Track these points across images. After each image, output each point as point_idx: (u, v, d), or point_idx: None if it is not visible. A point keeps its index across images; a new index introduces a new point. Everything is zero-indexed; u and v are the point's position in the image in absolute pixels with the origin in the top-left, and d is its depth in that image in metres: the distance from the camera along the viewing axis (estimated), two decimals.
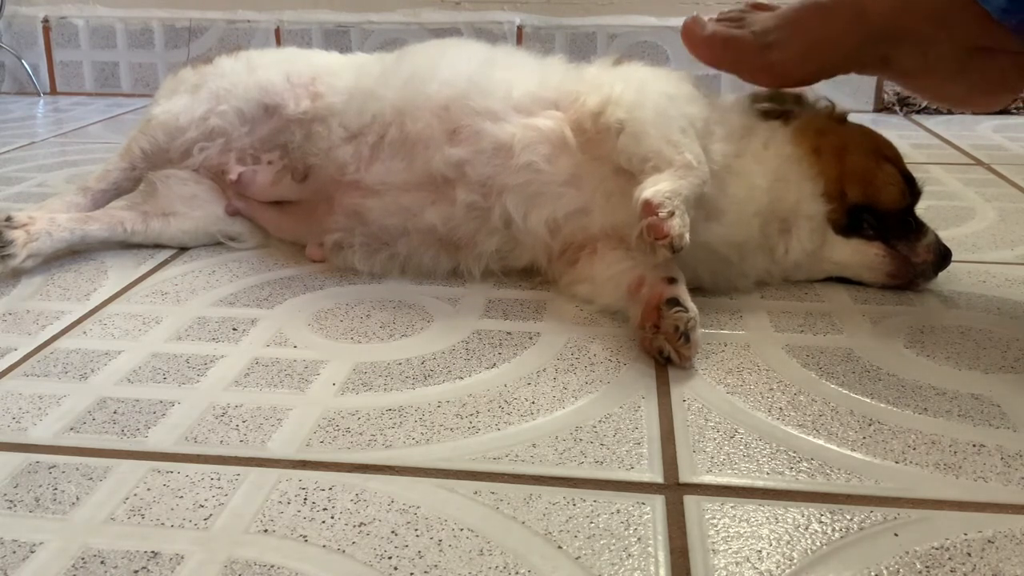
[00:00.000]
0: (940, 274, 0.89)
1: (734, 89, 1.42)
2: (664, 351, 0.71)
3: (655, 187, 0.72)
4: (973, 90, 0.80)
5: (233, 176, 0.97)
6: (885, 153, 0.89)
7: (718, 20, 0.92)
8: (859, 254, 0.86)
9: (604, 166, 0.82)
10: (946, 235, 0.89)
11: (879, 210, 0.86)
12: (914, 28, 0.79)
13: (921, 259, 0.86)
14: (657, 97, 0.82)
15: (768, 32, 0.87)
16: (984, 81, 0.79)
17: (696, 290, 0.78)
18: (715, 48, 0.88)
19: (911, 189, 0.87)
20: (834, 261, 0.87)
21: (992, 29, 0.75)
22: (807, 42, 0.85)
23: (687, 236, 0.70)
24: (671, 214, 0.70)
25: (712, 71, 0.98)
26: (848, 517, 0.53)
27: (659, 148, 0.77)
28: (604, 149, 0.82)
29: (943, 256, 0.87)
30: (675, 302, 0.72)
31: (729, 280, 0.86)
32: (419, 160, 0.87)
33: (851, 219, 0.86)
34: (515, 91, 0.87)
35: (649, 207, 0.71)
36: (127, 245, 0.99)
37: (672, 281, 0.75)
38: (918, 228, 0.87)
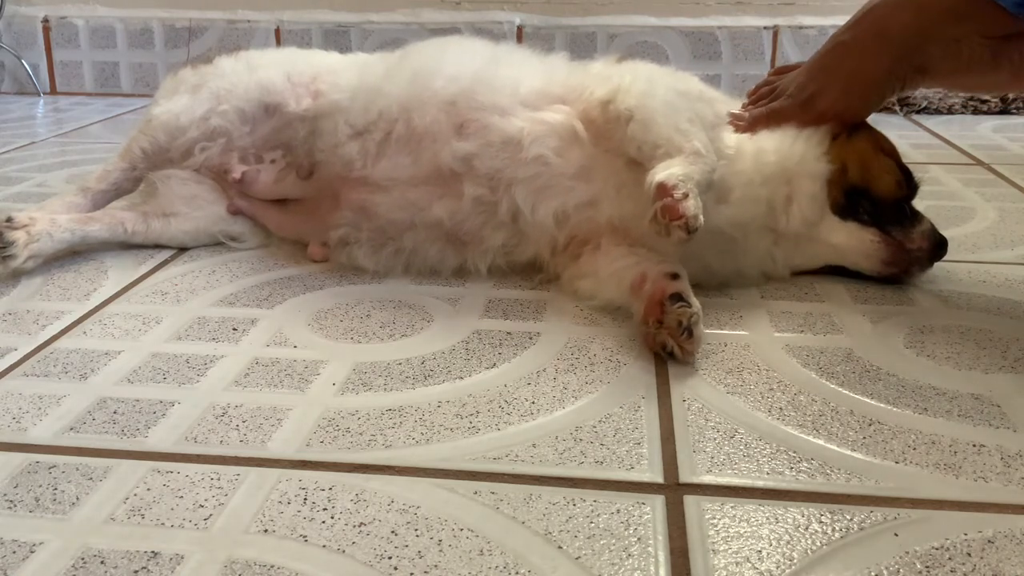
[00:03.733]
0: (940, 273, 0.89)
1: (734, 89, 1.42)
2: (667, 346, 0.71)
3: (668, 171, 0.74)
4: (1016, 72, 0.81)
5: (236, 175, 0.97)
6: (883, 146, 0.90)
7: (753, 103, 0.94)
8: (855, 238, 0.87)
9: (615, 159, 0.83)
10: (946, 235, 0.89)
11: (875, 196, 0.87)
12: (938, 31, 0.80)
13: (916, 245, 0.86)
14: (666, 89, 0.84)
15: (803, 87, 0.89)
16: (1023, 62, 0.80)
17: (697, 288, 0.78)
18: (762, 128, 0.89)
19: (908, 182, 0.88)
20: (831, 243, 0.87)
21: (1013, 18, 0.76)
22: (844, 80, 0.87)
23: (701, 217, 0.71)
24: (685, 196, 0.71)
25: (712, 72, 0.99)
26: (848, 517, 0.53)
27: (669, 135, 0.78)
28: (614, 141, 0.83)
29: (938, 244, 0.87)
30: (678, 297, 0.72)
31: (735, 262, 0.86)
32: (426, 155, 0.87)
33: (848, 200, 0.87)
34: (522, 87, 0.88)
35: (664, 189, 0.72)
36: (127, 245, 0.99)
37: (675, 277, 0.76)
38: (913, 216, 0.87)
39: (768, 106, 0.91)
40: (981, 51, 0.80)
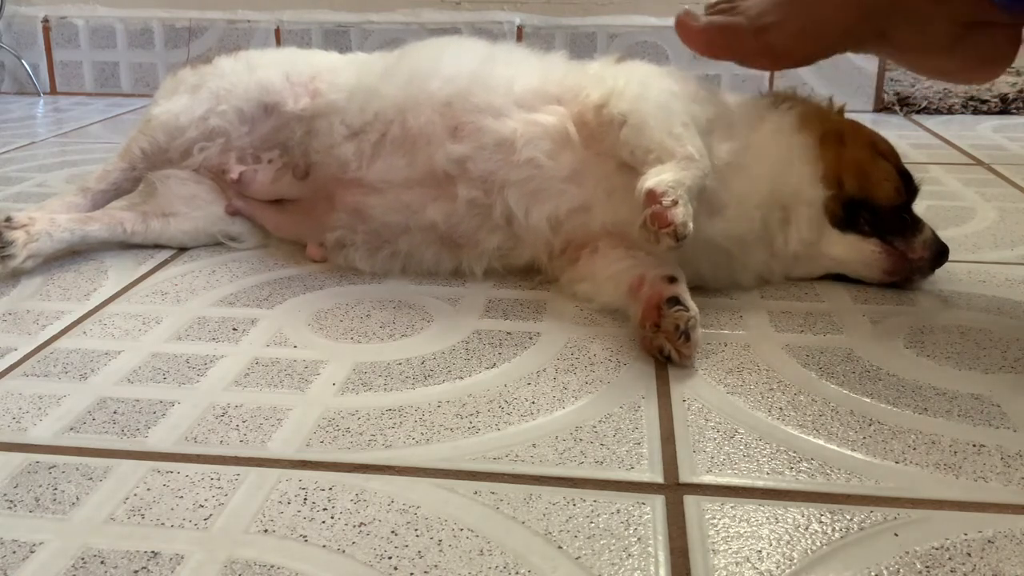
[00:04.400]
0: (940, 274, 0.89)
1: (734, 89, 1.42)
2: (664, 350, 0.71)
3: (658, 177, 0.73)
4: (967, 64, 0.80)
5: (234, 175, 0.97)
6: (880, 149, 0.90)
7: (711, 10, 0.90)
8: (856, 250, 0.86)
9: (606, 163, 0.83)
10: (946, 235, 0.89)
11: (875, 205, 0.86)
12: (913, 5, 0.79)
13: (918, 255, 0.86)
14: (660, 92, 0.83)
15: (763, 15, 0.85)
16: (977, 55, 0.80)
17: (696, 289, 0.78)
18: (711, 37, 0.87)
19: (907, 186, 0.88)
20: (832, 257, 0.87)
21: (985, 4, 0.76)
22: (804, 21, 0.84)
23: (691, 224, 0.71)
24: (675, 203, 0.70)
25: (713, 71, 0.98)
26: (848, 517, 0.53)
27: (661, 140, 0.77)
28: (606, 144, 0.82)
29: (940, 252, 0.87)
30: (675, 301, 0.72)
31: (730, 274, 0.86)
32: (421, 157, 0.87)
33: (848, 213, 0.86)
34: (517, 86, 0.87)
35: (653, 196, 0.71)
36: (127, 245, 0.99)
37: (672, 280, 0.75)
38: (914, 224, 0.87)
39: (725, 18, 0.87)
40: (944, 35, 0.79)
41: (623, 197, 0.80)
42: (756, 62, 0.88)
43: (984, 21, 0.78)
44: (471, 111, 0.86)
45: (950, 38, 0.79)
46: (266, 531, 0.52)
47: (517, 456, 0.59)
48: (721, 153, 0.82)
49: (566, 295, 0.86)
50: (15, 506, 0.54)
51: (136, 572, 0.48)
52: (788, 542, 0.50)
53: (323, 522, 0.52)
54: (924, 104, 1.79)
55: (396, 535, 0.51)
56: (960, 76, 0.86)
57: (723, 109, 0.88)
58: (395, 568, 0.49)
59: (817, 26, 0.84)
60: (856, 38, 0.83)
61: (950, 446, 0.60)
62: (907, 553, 0.50)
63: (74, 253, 0.96)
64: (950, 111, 1.79)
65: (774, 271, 0.88)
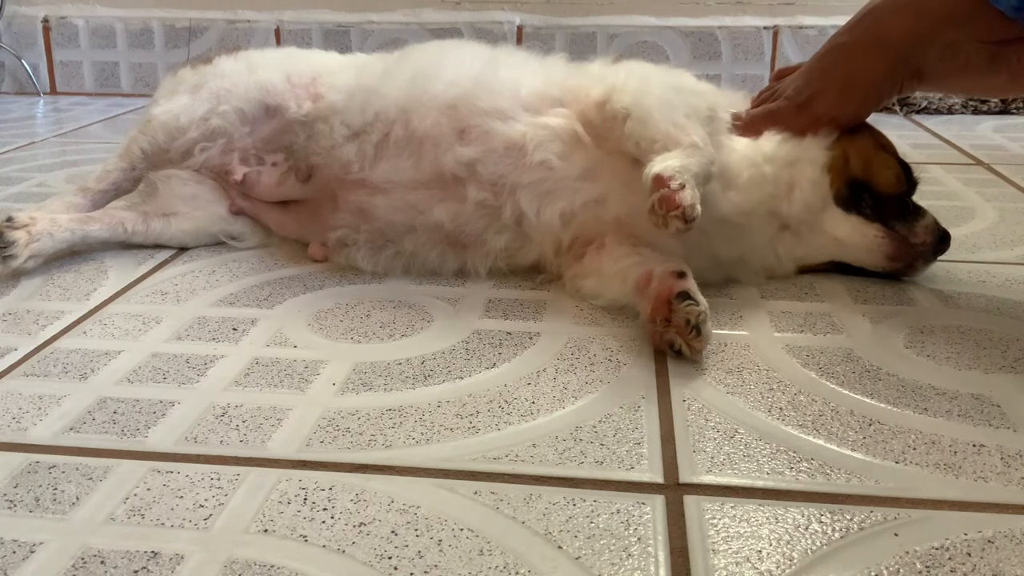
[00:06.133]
0: (940, 274, 0.89)
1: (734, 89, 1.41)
2: (675, 344, 0.72)
3: (665, 163, 0.74)
4: (1014, 76, 0.81)
5: (238, 176, 0.97)
6: (882, 143, 0.90)
7: (756, 101, 0.94)
8: (859, 233, 0.87)
9: (623, 159, 0.83)
10: None
11: (876, 191, 0.87)
12: (935, 35, 0.80)
13: (920, 240, 0.86)
14: (660, 85, 0.84)
15: (801, 90, 0.89)
16: (1022, 66, 0.80)
17: (701, 286, 0.78)
18: (759, 128, 0.89)
19: (908, 177, 0.88)
20: (835, 237, 0.87)
21: (1011, 22, 0.76)
22: (841, 83, 0.87)
23: (698, 207, 0.71)
24: (682, 186, 0.71)
25: (713, 72, 0.99)
26: (848, 517, 0.53)
27: (666, 130, 0.78)
28: (612, 140, 0.83)
29: (942, 237, 0.87)
30: (686, 295, 0.73)
31: (741, 245, 0.86)
32: (427, 159, 0.87)
33: (851, 193, 0.87)
34: (522, 90, 0.88)
35: (660, 180, 0.72)
36: (127, 245, 0.99)
37: (681, 275, 0.76)
38: (916, 211, 0.88)
39: (765, 107, 0.90)
40: (978, 55, 0.79)
41: (638, 189, 0.81)
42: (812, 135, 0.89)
43: (1015, 37, 0.78)
44: (478, 114, 0.86)
45: (987, 56, 0.79)
46: (266, 531, 0.52)
47: (517, 456, 0.59)
48: (723, 141, 0.84)
49: (570, 293, 0.86)
50: (15, 506, 0.54)
51: (136, 572, 0.48)
52: (788, 542, 0.50)
53: (323, 522, 0.52)
54: (924, 104, 1.79)
55: (396, 535, 0.51)
56: (1012, 89, 0.86)
57: (723, 101, 0.90)
58: (395, 568, 0.49)
59: (855, 84, 0.86)
60: (895, 82, 0.85)
61: (950, 446, 0.60)
62: (907, 553, 0.50)
63: (74, 253, 0.96)
64: (950, 111, 1.79)
65: (780, 254, 0.88)
